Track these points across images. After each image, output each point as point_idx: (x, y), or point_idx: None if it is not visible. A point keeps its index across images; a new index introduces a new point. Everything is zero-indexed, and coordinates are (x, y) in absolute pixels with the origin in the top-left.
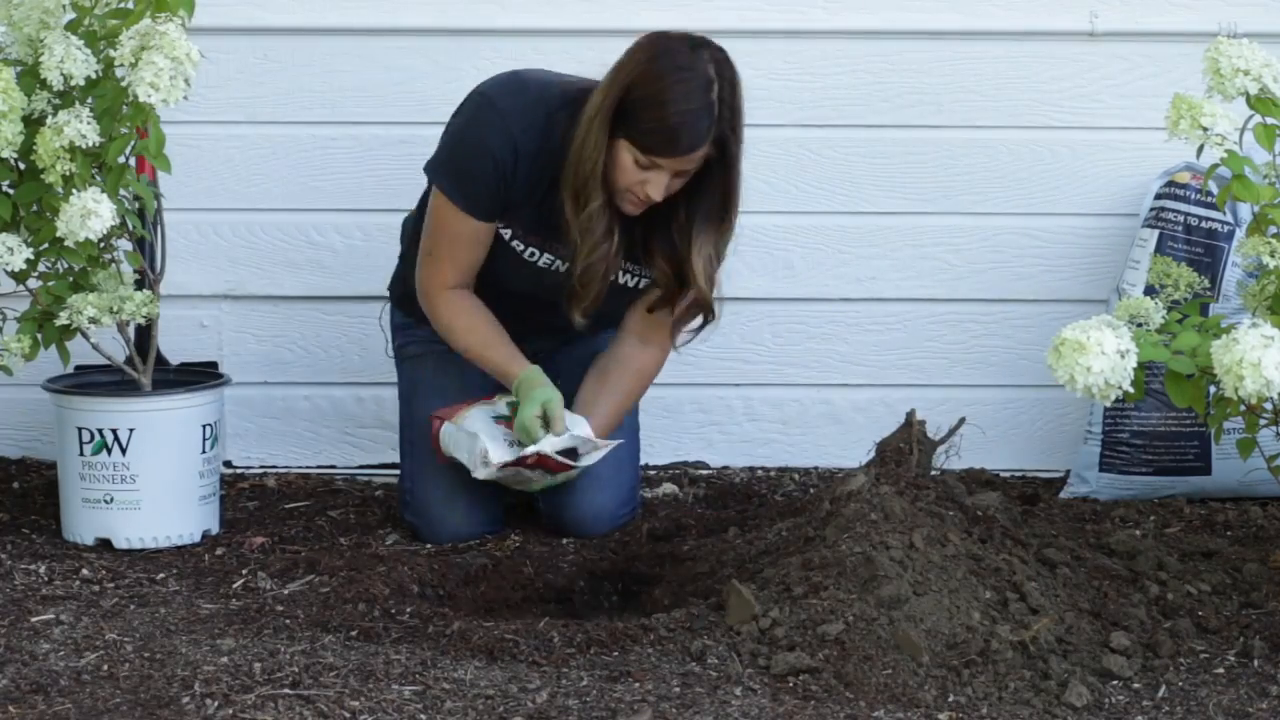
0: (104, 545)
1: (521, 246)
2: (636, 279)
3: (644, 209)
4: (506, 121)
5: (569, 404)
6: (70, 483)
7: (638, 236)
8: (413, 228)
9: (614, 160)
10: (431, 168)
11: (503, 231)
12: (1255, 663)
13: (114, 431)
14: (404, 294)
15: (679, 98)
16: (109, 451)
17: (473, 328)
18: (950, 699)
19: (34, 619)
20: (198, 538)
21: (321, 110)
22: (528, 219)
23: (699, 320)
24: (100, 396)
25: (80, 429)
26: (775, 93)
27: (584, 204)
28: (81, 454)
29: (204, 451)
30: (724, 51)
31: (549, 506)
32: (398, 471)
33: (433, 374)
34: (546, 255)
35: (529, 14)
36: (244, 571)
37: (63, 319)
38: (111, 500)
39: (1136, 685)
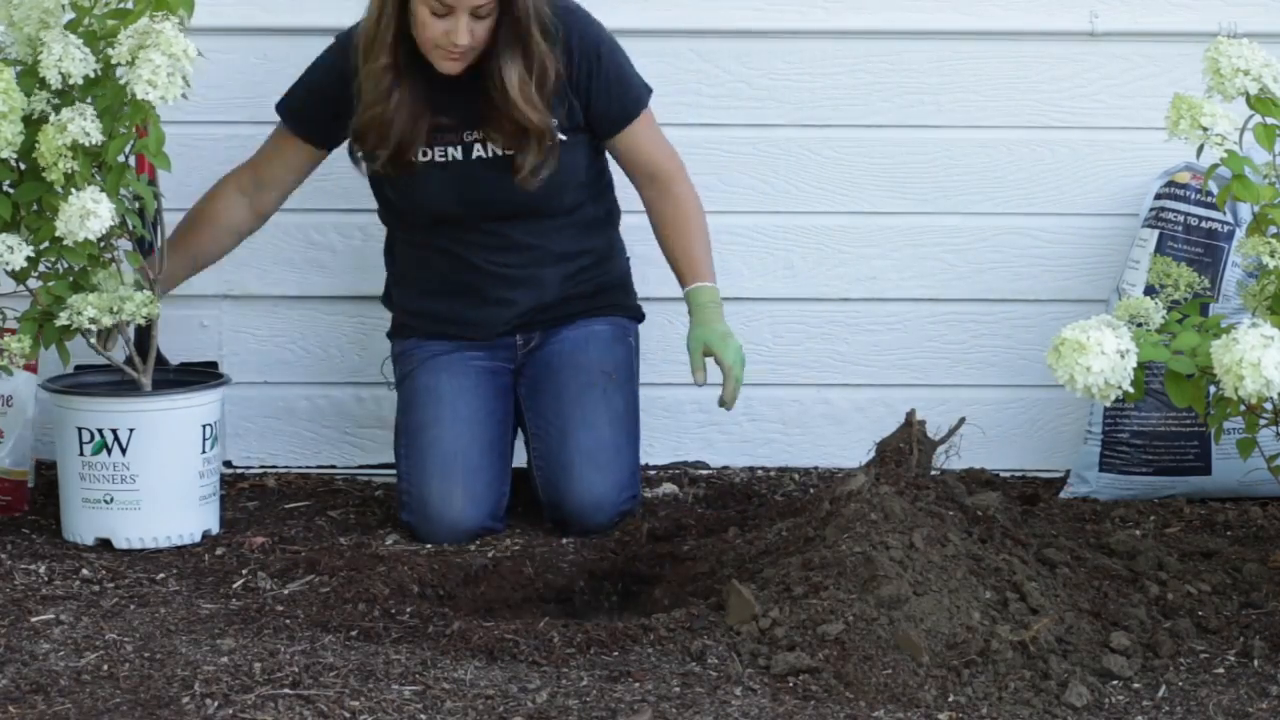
0: (104, 545)
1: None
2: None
3: (462, 61)
4: (341, 41)
5: None
6: (70, 483)
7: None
8: (391, 246)
9: (416, 23)
10: (278, 105)
11: (362, 159)
12: (1255, 663)
13: (114, 431)
14: (395, 319)
15: None
16: (109, 451)
17: (194, 211)
18: (950, 699)
19: (34, 619)
20: (198, 538)
21: None
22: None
23: (543, 163)
24: (100, 396)
25: (80, 429)
26: (775, 93)
27: (370, 60)
28: (81, 454)
29: (204, 451)
30: None
31: (548, 495)
32: (397, 471)
33: (424, 379)
34: (478, 141)
35: None
36: (244, 571)
37: (62, 319)
38: (111, 500)
39: (1136, 685)
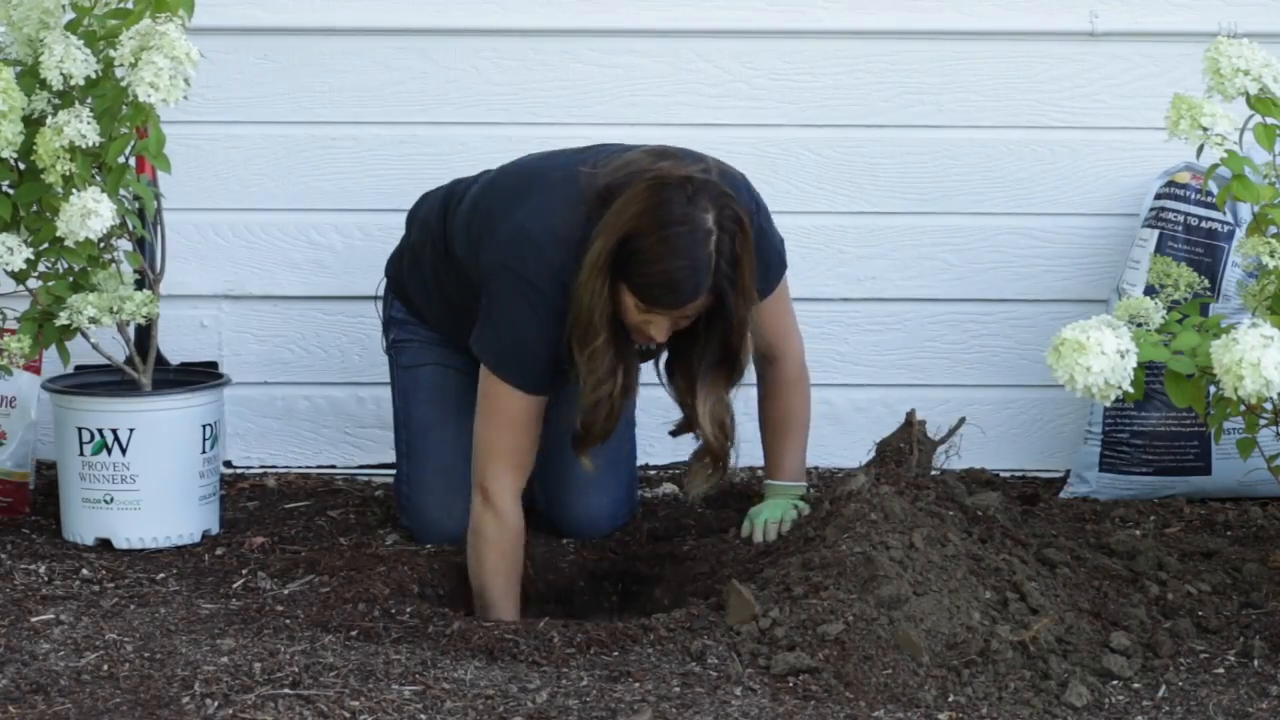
0: (104, 545)
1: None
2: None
3: (651, 345)
4: (541, 289)
5: None
6: (70, 483)
7: (658, 360)
8: (423, 216)
9: (619, 301)
10: (487, 357)
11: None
12: (1255, 663)
13: (114, 431)
14: (404, 285)
15: (672, 253)
16: (109, 451)
17: (498, 570)
18: (950, 699)
19: (34, 619)
20: (198, 538)
21: (321, 110)
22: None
23: (716, 475)
24: (100, 396)
25: (80, 429)
26: (775, 93)
27: (587, 342)
28: (81, 454)
29: (204, 451)
30: (728, 196)
31: (549, 509)
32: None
33: (431, 376)
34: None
35: (529, 14)
36: (244, 571)
37: (62, 319)
38: (111, 500)
39: (1136, 685)
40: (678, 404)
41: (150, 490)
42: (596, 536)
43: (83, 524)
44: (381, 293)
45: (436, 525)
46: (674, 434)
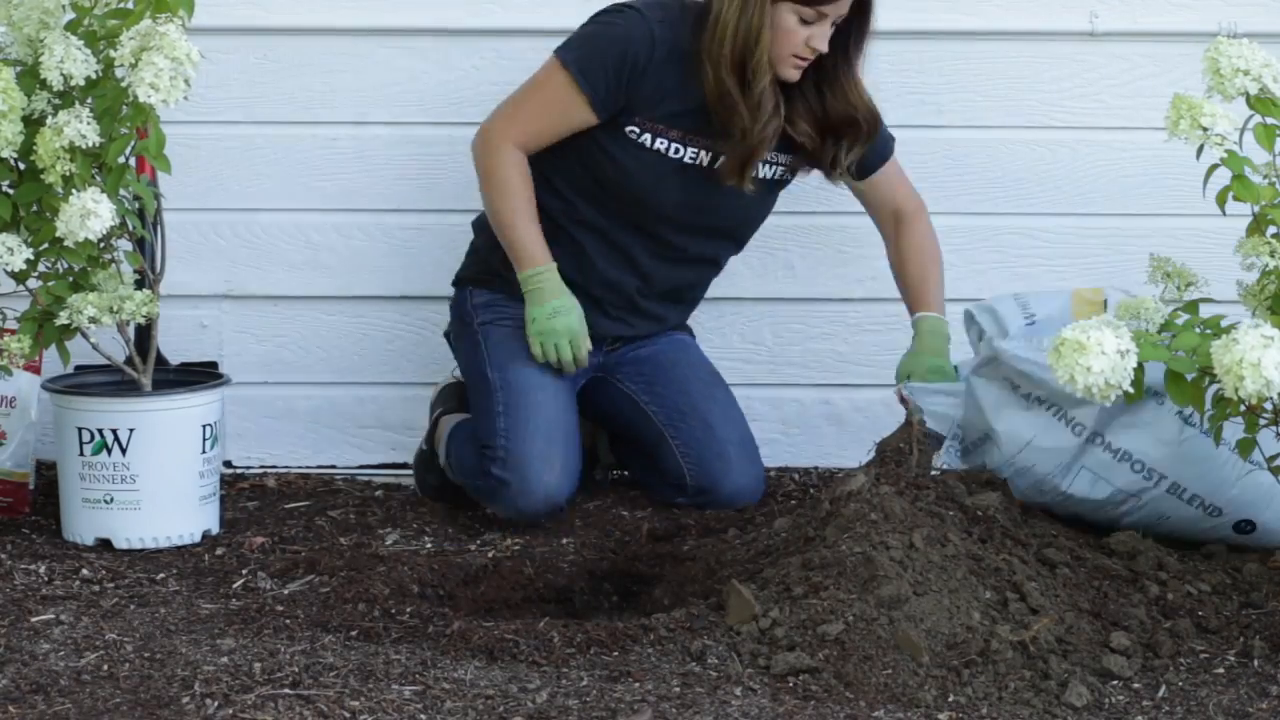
0: (104, 545)
1: (665, 144)
2: (774, 169)
3: (802, 70)
4: (645, 16)
5: None
6: (70, 483)
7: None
8: (485, 221)
9: (777, 31)
10: (562, 48)
11: (641, 136)
12: (1255, 663)
13: (114, 431)
14: (480, 272)
15: None
16: (109, 451)
17: (517, 189)
18: (950, 699)
19: (34, 619)
20: (198, 538)
21: (321, 110)
22: (665, 113)
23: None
24: (100, 396)
25: (80, 429)
26: None
27: (755, 82)
28: (81, 454)
29: (204, 451)
30: None
31: (700, 481)
32: (398, 471)
33: (529, 352)
34: (690, 149)
35: (529, 14)
36: (244, 571)
37: (62, 319)
38: (111, 500)
39: (1136, 685)
40: (805, 135)
41: (150, 490)
42: (752, 503)
43: (83, 524)
44: (452, 302)
45: (536, 474)
46: (791, 173)
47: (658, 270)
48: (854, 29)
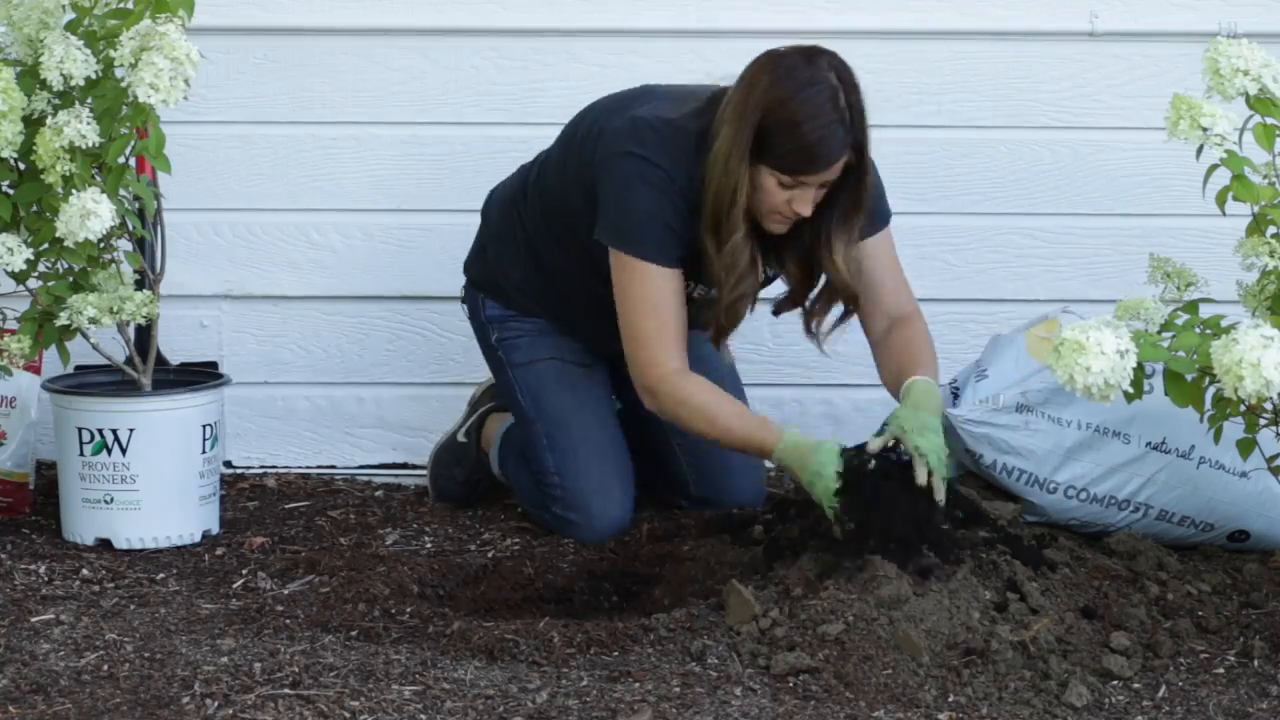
0: (104, 545)
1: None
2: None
3: (788, 224)
4: (664, 170)
5: None
6: (70, 483)
7: (769, 244)
8: (500, 196)
9: (757, 187)
10: (615, 239)
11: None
12: (1255, 663)
13: (114, 431)
14: (490, 281)
15: (812, 114)
16: (109, 452)
17: (720, 402)
18: (950, 699)
19: (34, 619)
20: (198, 538)
21: (321, 110)
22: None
23: (841, 311)
24: (100, 397)
25: (80, 429)
26: None
27: (726, 238)
28: (81, 454)
29: (204, 451)
30: (838, 55)
31: (703, 489)
32: (398, 471)
33: (553, 369)
34: (700, 287)
35: (529, 14)
36: (244, 571)
37: (62, 319)
38: (111, 500)
39: (1136, 685)
40: (791, 273)
41: (150, 490)
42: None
43: (83, 524)
44: (463, 295)
45: (600, 509)
46: (777, 312)
47: None
48: (844, 197)
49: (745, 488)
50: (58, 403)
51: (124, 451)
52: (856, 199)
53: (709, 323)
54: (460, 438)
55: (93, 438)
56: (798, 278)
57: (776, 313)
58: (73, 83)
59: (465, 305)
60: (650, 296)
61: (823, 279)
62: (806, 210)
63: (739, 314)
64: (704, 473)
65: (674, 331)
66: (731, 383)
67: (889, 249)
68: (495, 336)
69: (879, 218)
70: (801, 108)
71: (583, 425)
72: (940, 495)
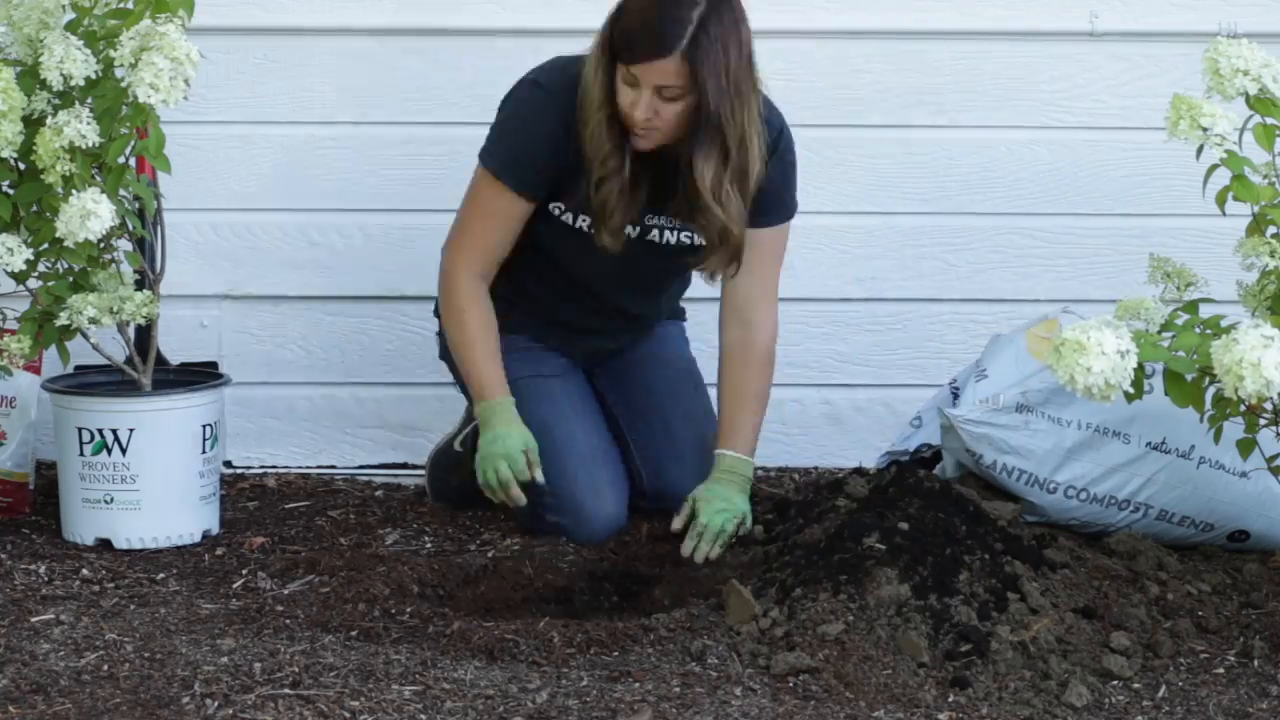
0: (104, 546)
1: (575, 220)
2: (676, 233)
3: (648, 140)
4: (555, 99)
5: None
6: (70, 483)
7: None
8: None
9: (615, 86)
10: (484, 153)
11: (564, 214)
12: (1255, 663)
13: (114, 431)
14: None
15: (648, 4)
16: (109, 451)
17: (479, 325)
18: (950, 699)
19: (34, 619)
20: (198, 538)
21: (321, 110)
22: (583, 193)
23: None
24: (100, 396)
25: (80, 429)
26: (775, 93)
27: (588, 123)
28: (81, 454)
29: (204, 451)
30: (733, 2)
31: (657, 485)
32: (398, 471)
33: (532, 386)
34: (583, 217)
35: (528, 14)
36: (244, 571)
37: (62, 320)
38: (112, 500)
39: (1136, 685)
40: (700, 227)
41: (150, 490)
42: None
43: (83, 524)
44: (438, 340)
45: (591, 511)
46: (711, 273)
47: (617, 299)
48: (702, 135)
49: (697, 481)
50: (58, 402)
51: (124, 451)
52: (711, 131)
53: (595, 232)
54: (456, 446)
55: (93, 437)
56: (706, 231)
57: (711, 275)
58: (72, 82)
59: (439, 347)
60: (486, 206)
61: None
62: (640, 112)
63: (605, 202)
64: (655, 466)
65: (487, 246)
66: (683, 384)
67: (772, 251)
68: None
69: (772, 206)
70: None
71: (566, 434)
72: (700, 557)
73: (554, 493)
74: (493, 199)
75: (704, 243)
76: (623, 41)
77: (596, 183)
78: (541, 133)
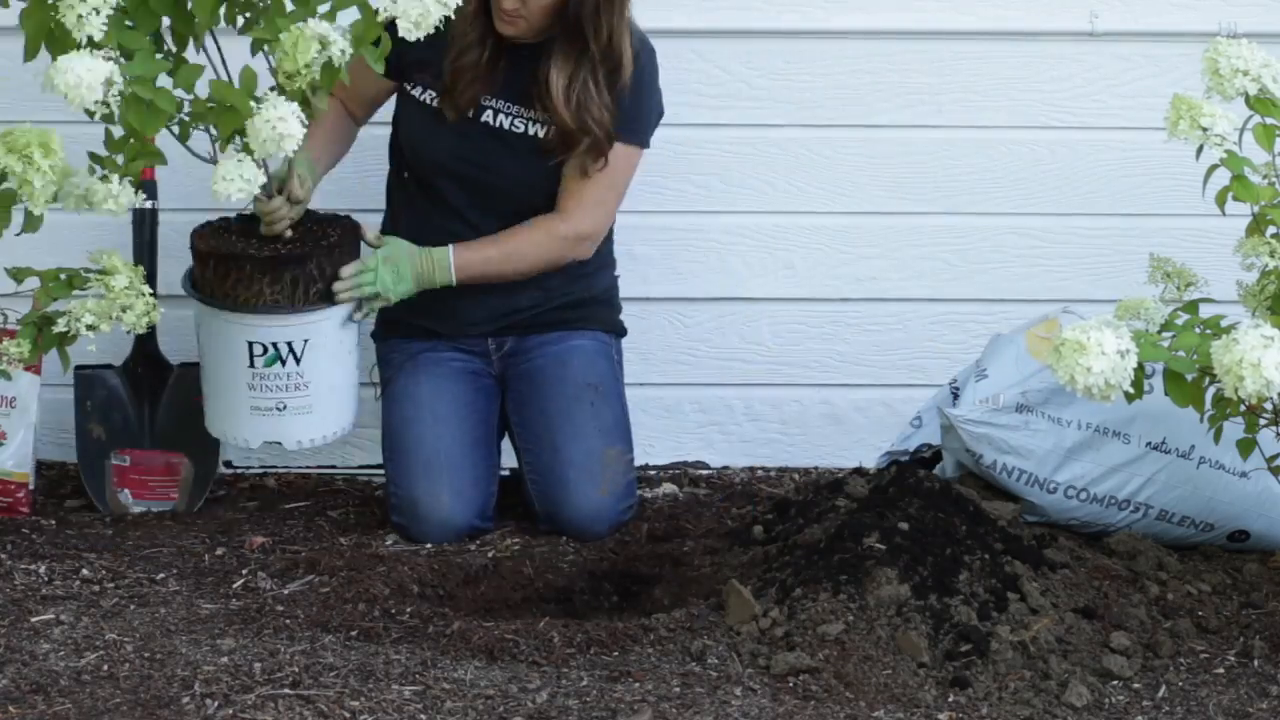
0: (272, 446)
1: (421, 92)
2: (512, 119)
3: (513, 27)
4: None
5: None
6: (238, 394)
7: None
8: None
9: None
10: None
11: (422, 94)
12: (1255, 663)
13: (289, 344)
14: (379, 321)
15: None
16: (283, 363)
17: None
18: (950, 699)
19: (34, 619)
20: (349, 428)
21: None
22: (435, 68)
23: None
24: (274, 314)
25: (252, 343)
26: (775, 93)
27: (458, 11)
28: (253, 365)
29: (355, 356)
30: None
31: (545, 509)
32: None
33: (401, 384)
34: (429, 92)
35: None
36: (244, 571)
37: (60, 326)
38: (285, 407)
39: (1136, 685)
40: (555, 117)
41: (318, 395)
42: (595, 534)
43: (251, 430)
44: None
45: (426, 515)
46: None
47: (476, 216)
48: (565, 35)
49: (582, 503)
50: (226, 319)
51: (298, 361)
52: (570, 26)
53: (446, 91)
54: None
55: (265, 350)
56: (560, 121)
57: (545, 131)
58: None
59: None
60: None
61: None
62: (508, 1)
63: (458, 73)
64: (543, 491)
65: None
66: (578, 403)
67: (610, 169)
68: (383, 373)
69: (622, 121)
70: None
71: (416, 436)
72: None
73: (395, 493)
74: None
75: (547, 136)
76: None
77: (455, 55)
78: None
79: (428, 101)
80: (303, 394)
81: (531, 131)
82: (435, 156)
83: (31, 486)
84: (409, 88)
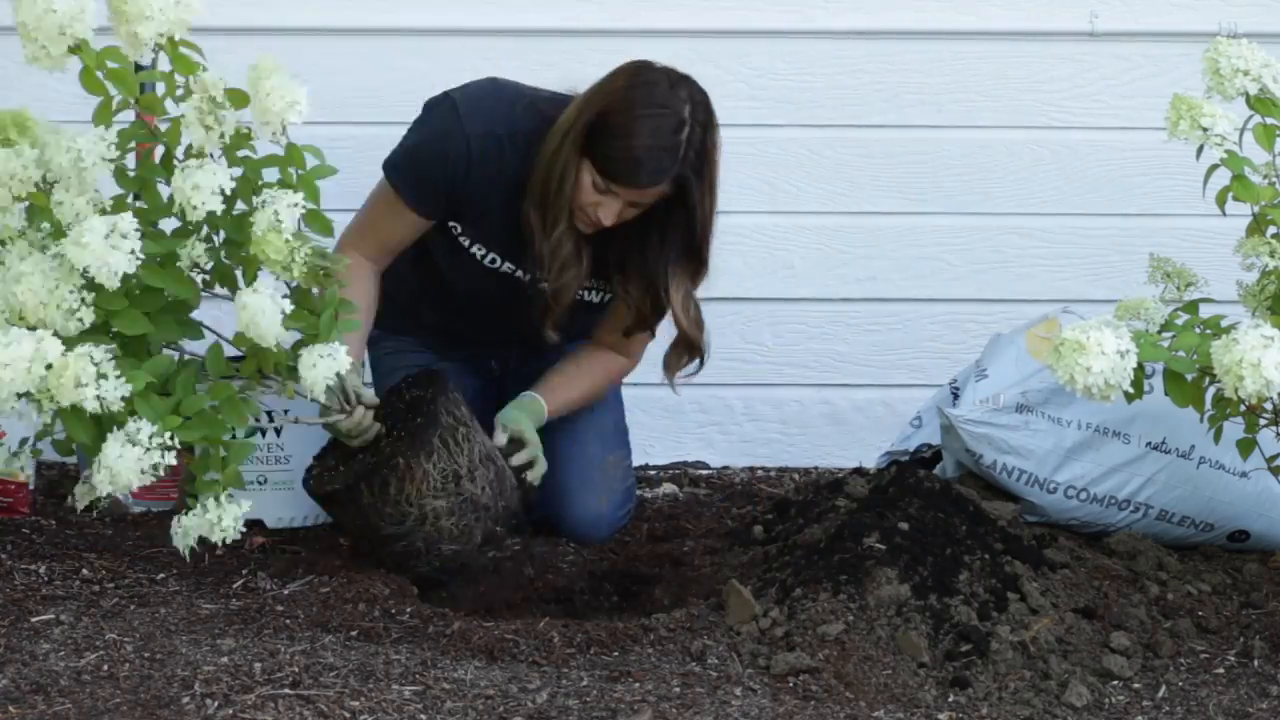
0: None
1: (482, 252)
2: (601, 295)
3: (595, 230)
4: (465, 127)
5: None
6: None
7: (611, 257)
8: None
9: (575, 183)
10: (387, 164)
11: (460, 238)
12: (1255, 663)
13: None
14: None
15: (646, 131)
16: None
17: (354, 296)
18: (950, 699)
19: (34, 619)
20: None
21: (321, 110)
22: (488, 226)
23: (692, 365)
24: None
25: None
26: (775, 93)
27: (551, 225)
28: None
29: None
30: (705, 94)
31: (548, 511)
32: None
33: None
34: (508, 264)
35: (529, 14)
36: (244, 571)
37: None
38: None
39: (1136, 685)
40: (633, 293)
41: None
42: (596, 539)
43: None
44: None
45: None
46: (628, 333)
47: (499, 329)
48: (676, 237)
49: (583, 516)
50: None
51: None
52: (687, 241)
53: (540, 308)
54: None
55: None
56: (641, 299)
57: (627, 334)
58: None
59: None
60: (384, 213)
61: (675, 332)
62: (608, 219)
63: (563, 301)
64: (542, 498)
65: (379, 243)
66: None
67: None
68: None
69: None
70: (638, 121)
71: None
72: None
73: None
74: (391, 211)
75: (605, 301)
76: (608, 166)
77: (556, 288)
78: (444, 162)
79: (480, 257)
80: None
81: (589, 299)
82: (483, 300)
83: (31, 486)
84: (455, 232)
